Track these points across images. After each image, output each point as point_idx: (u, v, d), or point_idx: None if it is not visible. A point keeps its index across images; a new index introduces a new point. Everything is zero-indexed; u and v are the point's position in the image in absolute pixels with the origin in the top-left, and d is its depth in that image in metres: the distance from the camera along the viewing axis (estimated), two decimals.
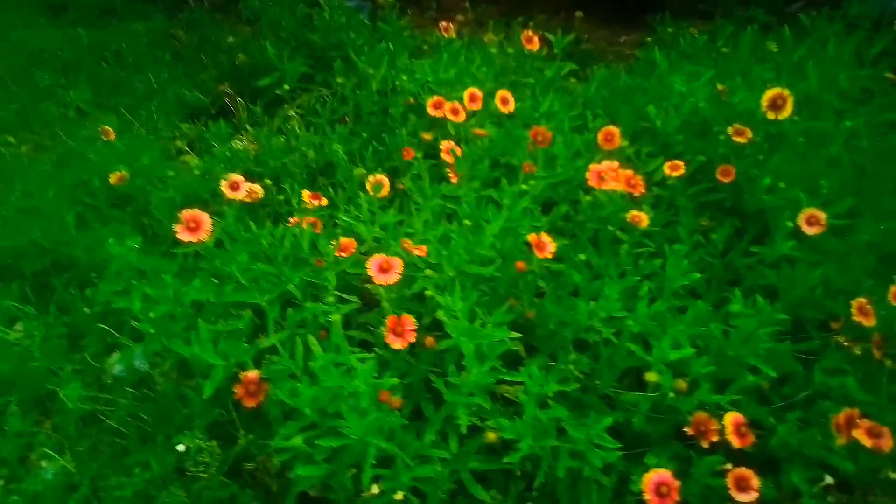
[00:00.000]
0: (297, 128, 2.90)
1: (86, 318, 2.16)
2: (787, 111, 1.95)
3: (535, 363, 1.89)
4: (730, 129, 2.17)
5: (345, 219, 2.04)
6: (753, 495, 1.54)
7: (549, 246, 1.83)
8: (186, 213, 1.80)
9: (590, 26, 4.55)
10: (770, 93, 1.96)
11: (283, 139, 2.92)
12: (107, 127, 2.49)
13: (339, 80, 2.70)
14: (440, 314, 1.75)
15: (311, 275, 1.91)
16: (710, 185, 2.25)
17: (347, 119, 2.75)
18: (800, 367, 1.98)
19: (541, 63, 2.92)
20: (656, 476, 1.49)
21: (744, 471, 1.57)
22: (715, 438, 1.61)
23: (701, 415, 1.64)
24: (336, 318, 1.76)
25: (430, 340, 1.77)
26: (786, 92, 1.94)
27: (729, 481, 1.55)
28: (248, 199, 2.25)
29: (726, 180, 2.15)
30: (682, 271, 1.86)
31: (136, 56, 3.78)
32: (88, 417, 2.04)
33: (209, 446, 1.75)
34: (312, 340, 1.79)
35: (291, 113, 3.02)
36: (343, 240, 2.02)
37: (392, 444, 1.70)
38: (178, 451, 1.79)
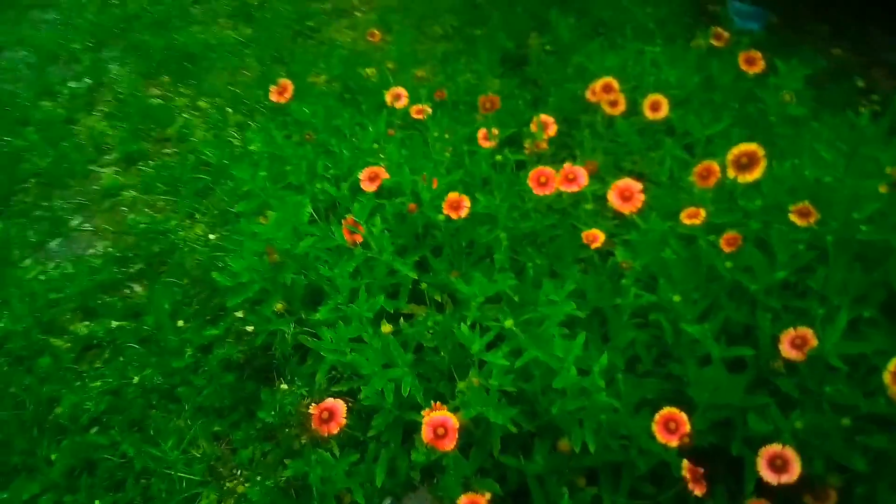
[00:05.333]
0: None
1: None
2: (756, 173, 1.49)
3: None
4: (797, 206, 1.72)
5: None
6: None
7: (464, 210, 1.89)
8: (282, 81, 2.40)
9: None
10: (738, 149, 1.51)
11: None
12: (374, 30, 3.19)
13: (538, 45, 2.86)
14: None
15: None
16: None
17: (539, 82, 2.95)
18: None
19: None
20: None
21: None
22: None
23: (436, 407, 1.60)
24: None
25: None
26: (760, 152, 1.48)
27: None
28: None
29: (728, 249, 1.75)
30: (563, 294, 1.70)
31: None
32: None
33: None
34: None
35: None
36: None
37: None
38: None
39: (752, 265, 1.73)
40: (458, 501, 1.54)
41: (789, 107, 2.48)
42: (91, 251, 2.73)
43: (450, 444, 1.51)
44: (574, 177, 1.88)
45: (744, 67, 2.49)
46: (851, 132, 2.16)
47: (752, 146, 1.55)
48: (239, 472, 1.97)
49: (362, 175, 2.17)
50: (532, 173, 1.86)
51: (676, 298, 1.65)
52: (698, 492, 1.47)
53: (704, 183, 2.06)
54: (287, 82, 2.40)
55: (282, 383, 2.04)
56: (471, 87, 3.03)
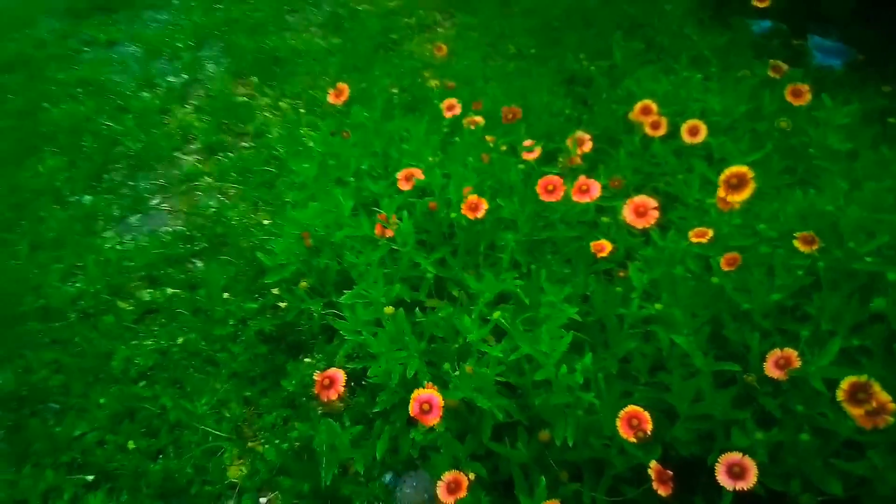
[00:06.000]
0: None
1: None
2: (745, 194, 1.54)
3: None
4: (802, 233, 1.76)
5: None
6: None
7: (481, 211, 2.01)
8: (340, 84, 2.60)
9: None
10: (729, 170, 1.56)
11: None
12: (441, 44, 3.37)
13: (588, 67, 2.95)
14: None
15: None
16: None
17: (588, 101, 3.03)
18: None
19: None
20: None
21: None
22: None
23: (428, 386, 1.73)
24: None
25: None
26: (749, 174, 1.52)
27: None
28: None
29: (727, 269, 1.79)
30: (561, 297, 1.80)
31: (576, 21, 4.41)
32: None
33: None
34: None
35: None
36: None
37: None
38: None
39: (752, 286, 1.78)
40: (443, 476, 1.67)
41: (834, 140, 2.48)
42: (164, 228, 3.02)
43: (433, 420, 1.64)
44: (587, 188, 1.97)
45: (789, 99, 2.51)
46: (876, 166, 2.17)
47: (742, 168, 1.61)
48: (261, 434, 2.16)
49: (400, 175, 2.33)
50: (541, 181, 1.97)
51: (658, 307, 1.72)
52: (662, 492, 1.53)
53: (725, 206, 2.12)
54: (344, 86, 2.60)
55: (306, 357, 2.22)
56: (524, 103, 3.15)
